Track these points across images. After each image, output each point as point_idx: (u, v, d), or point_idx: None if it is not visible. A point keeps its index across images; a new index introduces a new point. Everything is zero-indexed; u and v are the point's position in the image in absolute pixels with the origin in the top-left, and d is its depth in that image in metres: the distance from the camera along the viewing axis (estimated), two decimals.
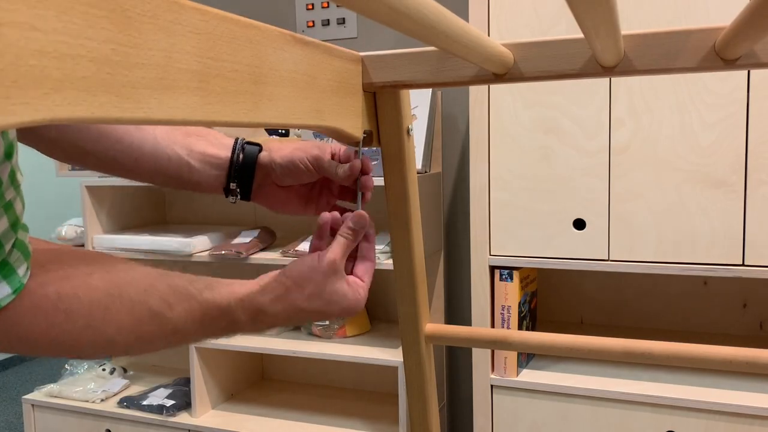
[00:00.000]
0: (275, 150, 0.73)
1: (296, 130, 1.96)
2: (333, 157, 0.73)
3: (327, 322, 1.86)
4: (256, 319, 0.59)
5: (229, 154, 0.72)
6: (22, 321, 0.47)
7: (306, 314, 0.62)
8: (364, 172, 0.72)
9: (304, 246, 1.81)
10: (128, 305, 0.52)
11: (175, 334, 0.55)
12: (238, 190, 0.73)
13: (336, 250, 0.63)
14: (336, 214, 0.69)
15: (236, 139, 0.74)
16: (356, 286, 0.65)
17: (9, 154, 0.43)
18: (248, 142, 0.74)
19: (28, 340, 0.48)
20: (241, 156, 0.72)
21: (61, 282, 0.49)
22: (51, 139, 0.65)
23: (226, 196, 0.73)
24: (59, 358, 0.52)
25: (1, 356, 3.91)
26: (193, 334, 0.57)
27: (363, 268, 0.67)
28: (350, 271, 0.67)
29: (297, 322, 0.63)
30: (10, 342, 0.48)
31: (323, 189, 0.76)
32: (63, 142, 0.66)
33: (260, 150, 0.74)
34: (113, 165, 0.69)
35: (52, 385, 2.04)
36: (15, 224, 0.45)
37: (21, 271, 0.46)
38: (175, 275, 0.57)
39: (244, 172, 0.72)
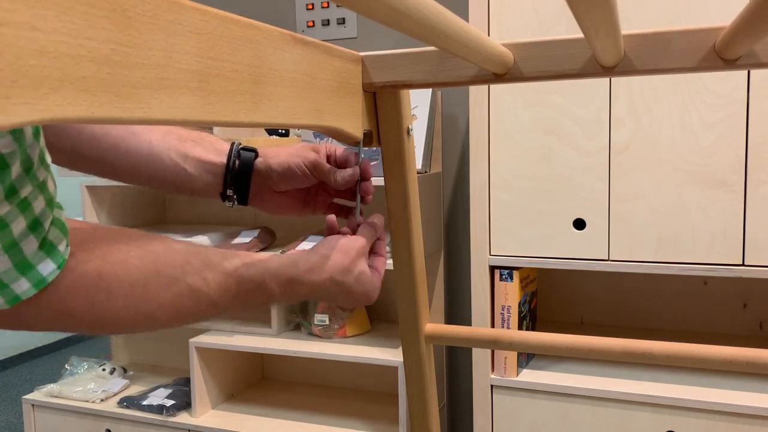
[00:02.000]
0: (271, 156, 0.74)
1: (296, 129, 1.95)
2: (328, 158, 0.74)
3: (327, 322, 1.86)
4: (290, 290, 0.62)
5: (224, 160, 0.73)
6: (65, 298, 0.48)
7: (336, 287, 0.64)
8: (364, 177, 0.73)
9: (304, 246, 1.81)
10: (166, 282, 0.53)
11: (212, 308, 0.57)
12: (234, 196, 0.73)
13: (364, 236, 0.68)
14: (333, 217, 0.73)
15: (231, 145, 0.74)
16: (374, 275, 0.69)
17: (36, 135, 0.44)
18: (244, 148, 0.74)
19: (71, 317, 0.49)
20: (236, 162, 0.73)
21: (100, 261, 0.50)
22: (49, 144, 0.66)
23: (223, 201, 0.73)
24: (100, 334, 0.53)
25: (1, 356, 3.91)
26: (229, 307, 0.59)
27: (377, 262, 0.71)
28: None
29: (326, 296, 0.65)
30: (55, 318, 0.48)
31: (320, 189, 0.77)
32: (61, 148, 0.67)
33: (256, 156, 0.74)
34: (110, 170, 0.70)
35: (52, 385, 2.04)
36: (50, 202, 0.46)
37: (62, 247, 0.46)
38: (210, 251, 0.59)
39: (240, 178, 0.73)
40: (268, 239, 1.93)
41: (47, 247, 0.45)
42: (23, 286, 0.44)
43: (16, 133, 0.41)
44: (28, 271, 0.44)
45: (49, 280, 0.46)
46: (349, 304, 0.67)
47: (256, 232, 1.90)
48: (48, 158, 0.46)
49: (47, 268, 0.45)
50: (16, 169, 0.41)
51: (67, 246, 0.47)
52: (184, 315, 0.55)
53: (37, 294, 0.45)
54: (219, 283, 0.57)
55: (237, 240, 1.87)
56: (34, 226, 0.44)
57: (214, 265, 0.57)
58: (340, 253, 0.65)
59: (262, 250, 1.87)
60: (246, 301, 0.60)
